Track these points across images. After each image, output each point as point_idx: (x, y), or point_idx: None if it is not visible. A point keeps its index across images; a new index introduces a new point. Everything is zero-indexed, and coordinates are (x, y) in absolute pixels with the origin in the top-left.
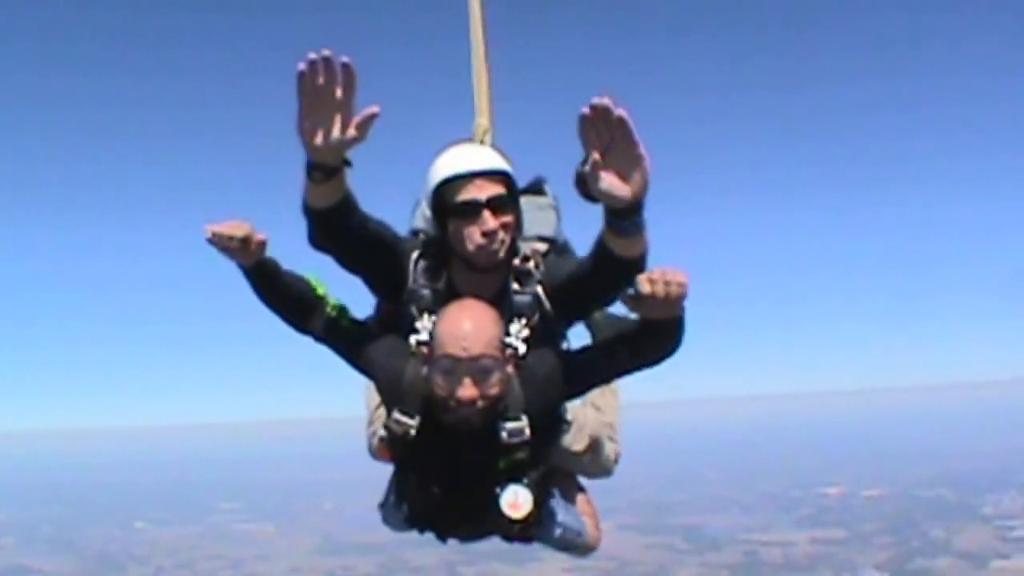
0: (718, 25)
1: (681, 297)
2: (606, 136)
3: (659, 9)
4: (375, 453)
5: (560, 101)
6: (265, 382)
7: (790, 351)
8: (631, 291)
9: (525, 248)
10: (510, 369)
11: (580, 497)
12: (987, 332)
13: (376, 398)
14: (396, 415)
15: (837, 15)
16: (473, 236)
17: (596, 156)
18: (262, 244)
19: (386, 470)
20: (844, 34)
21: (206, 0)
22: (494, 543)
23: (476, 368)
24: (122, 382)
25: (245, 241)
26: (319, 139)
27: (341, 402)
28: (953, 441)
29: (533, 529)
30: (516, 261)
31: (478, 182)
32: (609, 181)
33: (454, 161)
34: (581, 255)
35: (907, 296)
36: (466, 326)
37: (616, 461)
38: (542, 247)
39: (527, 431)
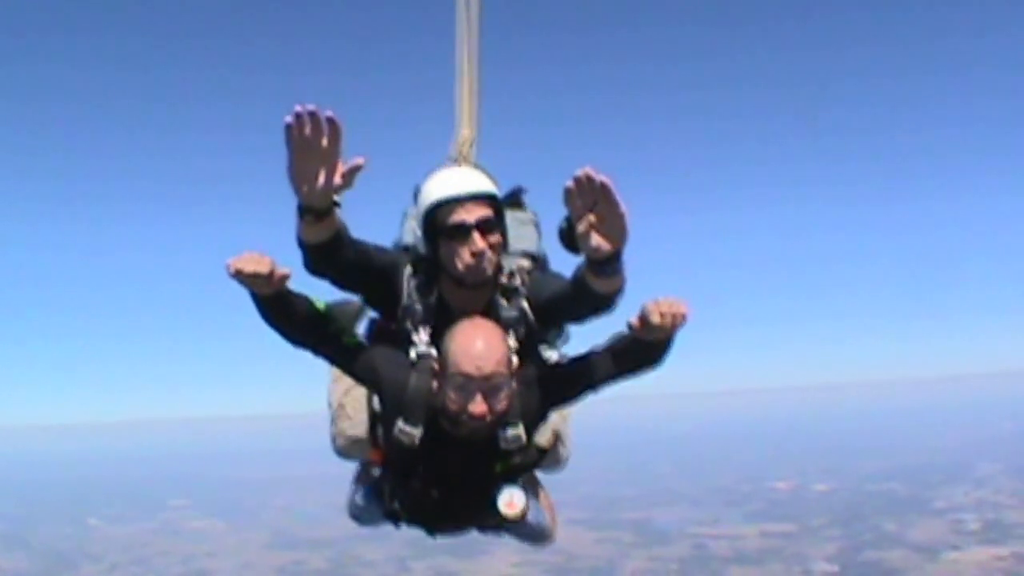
0: (724, 19)
1: (681, 325)
2: (590, 200)
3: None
4: (344, 452)
5: (547, 100)
6: (216, 379)
7: (739, 348)
8: (636, 318)
9: (511, 264)
10: (515, 384)
11: (540, 492)
12: (937, 329)
13: (341, 397)
14: (401, 425)
15: (844, 10)
16: (463, 257)
17: (586, 223)
18: (284, 278)
19: (340, 468)
20: (855, 28)
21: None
22: (444, 538)
23: (488, 386)
24: (73, 379)
25: (268, 276)
26: (308, 186)
27: (290, 400)
28: (903, 436)
29: (508, 523)
30: (503, 278)
31: (468, 205)
32: (595, 240)
33: (444, 185)
34: (561, 275)
35: (856, 293)
36: (479, 346)
37: (568, 455)
38: (526, 263)
39: (524, 437)
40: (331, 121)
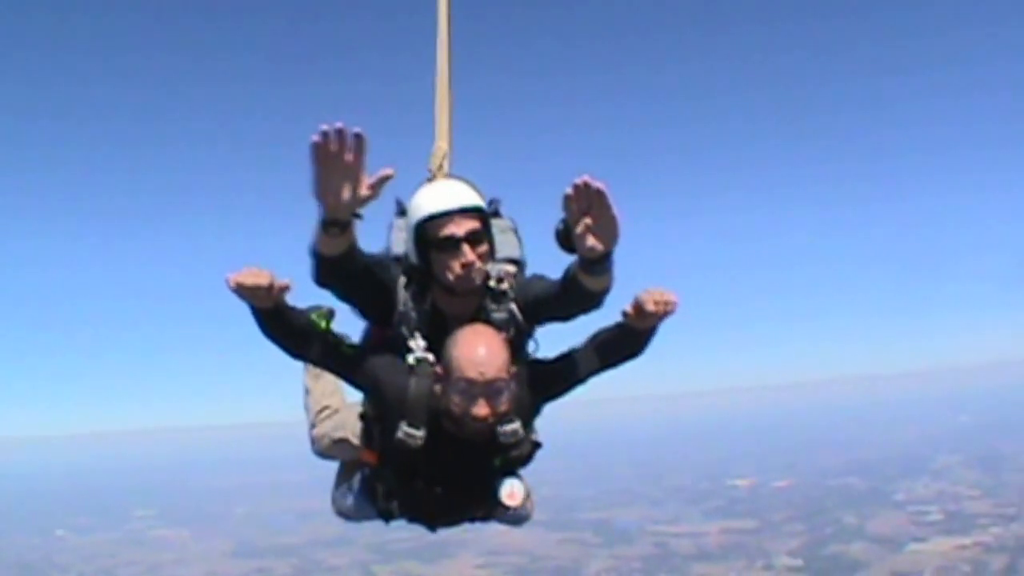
0: (711, 17)
1: (671, 313)
2: (586, 204)
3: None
4: (325, 453)
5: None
6: (178, 390)
7: (693, 350)
8: (631, 306)
9: (498, 270)
10: (515, 387)
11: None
12: (892, 326)
13: (322, 399)
14: (405, 428)
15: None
16: (454, 268)
17: (583, 226)
18: (284, 290)
19: (301, 475)
20: (847, 28)
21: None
22: (408, 543)
23: (490, 390)
24: (38, 392)
25: (268, 289)
26: (334, 200)
27: (251, 410)
28: (861, 431)
29: (488, 512)
30: (491, 282)
31: (456, 219)
32: (590, 241)
33: (434, 199)
34: (545, 277)
35: (812, 292)
36: (481, 352)
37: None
38: (511, 268)
39: (521, 432)
40: (357, 137)
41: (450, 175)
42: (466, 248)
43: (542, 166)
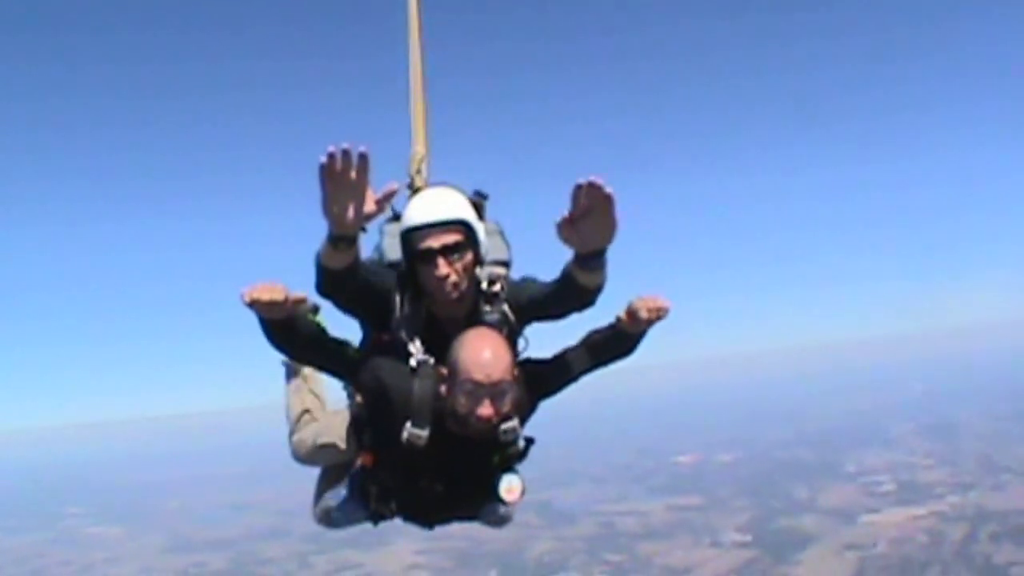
0: None
1: (662, 319)
2: (592, 201)
3: None
4: (307, 458)
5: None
6: (101, 384)
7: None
8: (625, 312)
9: (489, 272)
10: (517, 388)
11: None
12: (840, 294)
13: (302, 407)
14: (411, 428)
15: None
16: (430, 279)
17: (584, 221)
18: (298, 303)
19: (229, 468)
20: None
21: None
22: (345, 532)
23: (496, 392)
24: None
25: (283, 303)
26: (341, 216)
27: (177, 402)
28: (809, 403)
29: (483, 509)
30: (484, 285)
31: (435, 232)
32: (589, 235)
33: (416, 211)
34: (535, 278)
35: (752, 261)
36: (487, 355)
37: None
38: (502, 271)
39: (519, 429)
40: (362, 156)
41: (436, 183)
42: (441, 262)
43: (527, 161)
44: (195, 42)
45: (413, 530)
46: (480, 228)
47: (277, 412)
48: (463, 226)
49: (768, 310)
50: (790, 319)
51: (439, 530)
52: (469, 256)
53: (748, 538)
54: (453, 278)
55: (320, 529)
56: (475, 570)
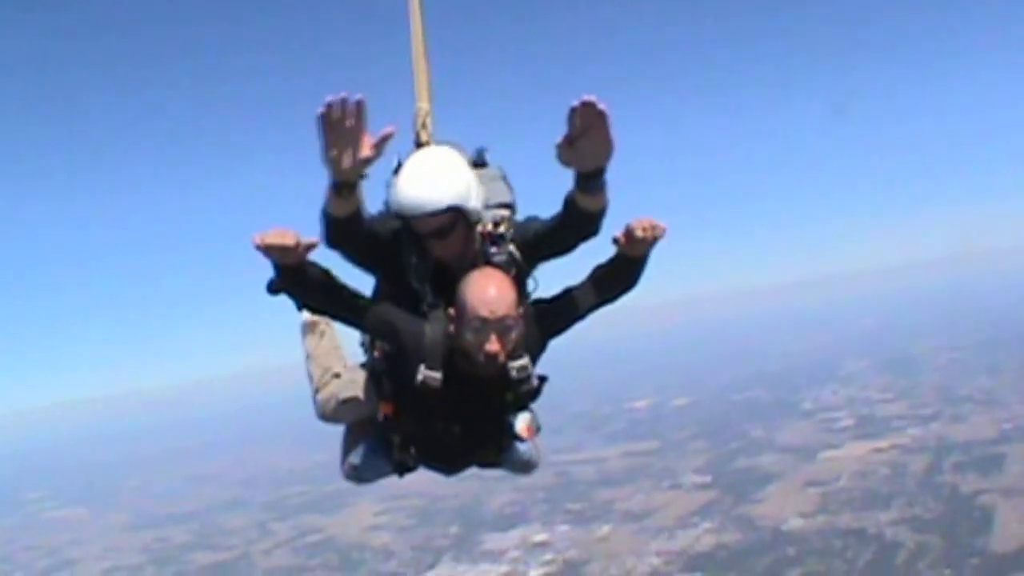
0: None
1: (659, 239)
2: (587, 121)
3: None
4: (334, 416)
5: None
6: (48, 365)
7: (580, 269)
8: (622, 233)
9: (494, 215)
10: (523, 324)
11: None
12: (788, 233)
13: (324, 365)
14: (424, 371)
15: None
16: (431, 250)
17: (582, 140)
18: (309, 248)
19: (187, 442)
20: None
21: None
22: (304, 497)
23: (501, 327)
24: None
25: (295, 248)
26: (340, 163)
27: (124, 379)
28: (762, 343)
29: (505, 453)
30: (489, 227)
31: (424, 218)
32: (588, 154)
33: (404, 195)
34: (538, 217)
35: (701, 200)
36: (492, 292)
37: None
38: (506, 213)
39: (530, 367)
40: (358, 103)
41: (436, 141)
42: (433, 243)
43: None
44: None
45: (372, 491)
46: (473, 196)
47: (225, 384)
48: (455, 208)
49: (716, 252)
50: (739, 261)
51: (398, 489)
52: (462, 229)
53: (707, 479)
54: (449, 252)
55: (279, 496)
56: (436, 526)
